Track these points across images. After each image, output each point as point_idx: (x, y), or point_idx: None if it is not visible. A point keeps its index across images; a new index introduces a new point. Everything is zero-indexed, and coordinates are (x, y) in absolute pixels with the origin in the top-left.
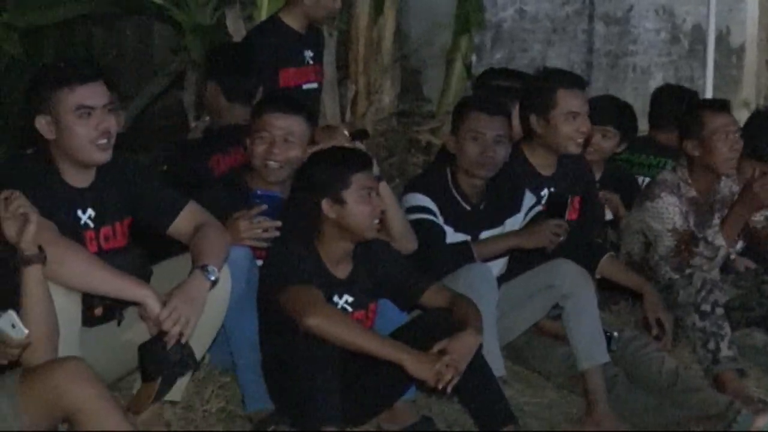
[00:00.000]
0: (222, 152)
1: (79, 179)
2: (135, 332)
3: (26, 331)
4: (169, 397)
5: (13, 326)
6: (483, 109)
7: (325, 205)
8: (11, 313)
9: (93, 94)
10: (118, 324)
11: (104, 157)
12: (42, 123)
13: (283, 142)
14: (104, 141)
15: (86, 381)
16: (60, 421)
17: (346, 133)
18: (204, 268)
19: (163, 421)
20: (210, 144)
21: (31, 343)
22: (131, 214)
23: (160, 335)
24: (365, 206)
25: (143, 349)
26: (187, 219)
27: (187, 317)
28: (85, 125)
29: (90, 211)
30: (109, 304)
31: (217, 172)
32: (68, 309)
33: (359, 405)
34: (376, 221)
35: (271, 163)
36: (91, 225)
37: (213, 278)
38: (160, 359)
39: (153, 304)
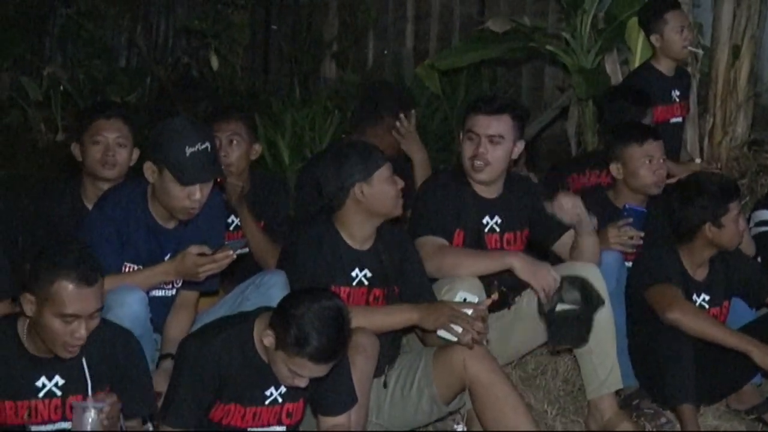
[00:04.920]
0: (578, 173)
1: (488, 191)
2: (524, 312)
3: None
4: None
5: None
6: None
7: (707, 227)
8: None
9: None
10: (509, 308)
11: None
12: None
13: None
14: None
15: (483, 358)
16: (458, 392)
17: (697, 161)
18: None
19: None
20: (570, 167)
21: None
22: (528, 226)
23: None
24: (739, 228)
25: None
26: (568, 239)
27: (540, 273)
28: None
29: (497, 218)
30: (504, 291)
31: (572, 189)
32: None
33: (711, 386)
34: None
35: (655, 189)
36: (497, 229)
37: None
38: (541, 309)
39: (519, 265)
